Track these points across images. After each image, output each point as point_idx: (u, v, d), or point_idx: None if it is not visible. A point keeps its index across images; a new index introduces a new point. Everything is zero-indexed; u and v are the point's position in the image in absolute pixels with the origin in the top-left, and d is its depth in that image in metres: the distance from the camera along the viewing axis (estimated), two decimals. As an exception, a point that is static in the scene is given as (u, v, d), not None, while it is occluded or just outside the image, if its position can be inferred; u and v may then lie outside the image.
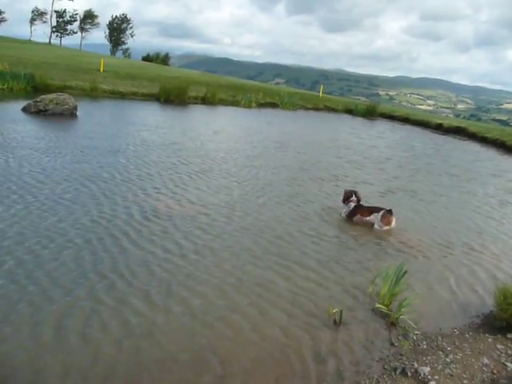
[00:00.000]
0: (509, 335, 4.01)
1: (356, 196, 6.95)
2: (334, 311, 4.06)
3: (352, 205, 6.87)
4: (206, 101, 21.19)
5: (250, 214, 6.59)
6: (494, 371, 3.46)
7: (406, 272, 4.42)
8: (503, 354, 3.72)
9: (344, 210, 6.97)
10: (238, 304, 4.14)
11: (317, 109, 25.36)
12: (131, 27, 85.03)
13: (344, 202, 6.99)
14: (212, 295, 4.22)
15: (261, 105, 23.02)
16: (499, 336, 4.02)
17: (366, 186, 9.20)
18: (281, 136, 14.87)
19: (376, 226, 6.58)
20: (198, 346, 3.48)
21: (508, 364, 3.57)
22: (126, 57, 77.24)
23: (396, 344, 3.82)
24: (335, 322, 4.00)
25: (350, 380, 3.29)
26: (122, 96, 19.43)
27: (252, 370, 3.30)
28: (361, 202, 6.94)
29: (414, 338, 3.94)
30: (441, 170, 12.03)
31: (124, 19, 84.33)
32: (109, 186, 7.11)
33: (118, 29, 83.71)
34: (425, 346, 3.80)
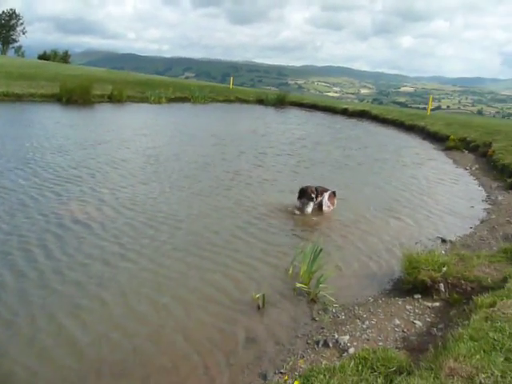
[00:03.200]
0: (416, 296, 4.37)
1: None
2: (257, 296, 4.15)
3: (326, 195, 7.04)
4: (112, 99, 20.25)
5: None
6: (405, 330, 3.77)
7: (321, 249, 4.63)
8: (412, 314, 4.06)
9: (310, 204, 6.92)
10: (163, 294, 4.09)
11: (229, 101, 25.40)
12: (22, 23, 78.49)
13: (311, 198, 6.88)
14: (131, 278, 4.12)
15: (171, 100, 22.54)
16: (408, 298, 4.37)
17: (320, 164, 10.79)
18: (214, 128, 15.50)
19: (324, 207, 6.96)
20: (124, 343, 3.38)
21: (416, 322, 3.90)
22: (19, 56, 71.26)
23: (317, 319, 4.00)
24: (259, 306, 4.09)
25: (275, 360, 3.39)
26: (18, 98, 17.88)
27: (180, 361, 3.29)
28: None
29: (334, 310, 4.15)
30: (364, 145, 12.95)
31: (12, 15, 77.53)
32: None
33: (6, 26, 76.75)
34: (343, 317, 4.03)
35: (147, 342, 3.50)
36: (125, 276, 4.52)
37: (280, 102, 25.14)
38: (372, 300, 4.38)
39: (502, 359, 2.61)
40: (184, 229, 5.89)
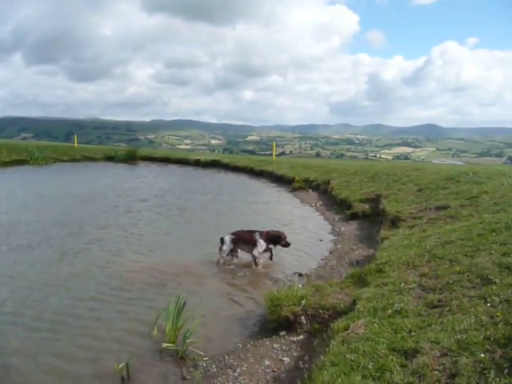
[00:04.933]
0: (281, 333, 4.49)
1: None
2: (120, 366, 3.79)
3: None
4: None
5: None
6: (275, 369, 3.82)
7: (185, 303, 4.49)
8: (279, 351, 4.15)
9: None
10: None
11: (75, 160, 23.99)
12: None
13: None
14: None
15: (6, 163, 20.38)
16: (274, 336, 4.46)
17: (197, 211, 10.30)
18: (67, 188, 14.64)
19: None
20: None
21: (284, 358, 4.00)
22: None
23: (188, 377, 3.82)
24: (123, 378, 3.73)
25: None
26: None
27: None
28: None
29: (204, 364, 4.01)
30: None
31: None
32: None
33: None
34: (214, 370, 3.92)
35: None
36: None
37: (131, 158, 24.70)
38: (241, 345, 4.36)
39: (359, 378, 2.79)
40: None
